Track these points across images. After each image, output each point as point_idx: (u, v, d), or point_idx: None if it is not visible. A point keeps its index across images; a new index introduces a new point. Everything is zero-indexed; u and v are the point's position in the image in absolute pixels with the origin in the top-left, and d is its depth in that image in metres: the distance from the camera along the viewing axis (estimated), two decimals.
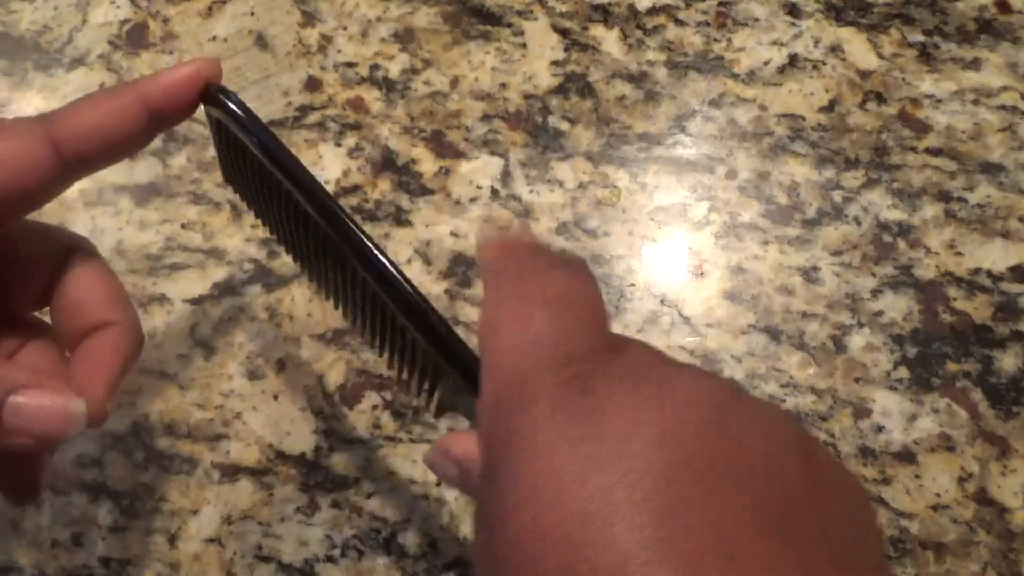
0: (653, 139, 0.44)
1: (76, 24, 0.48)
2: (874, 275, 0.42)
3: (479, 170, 0.44)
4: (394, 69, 0.46)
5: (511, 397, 0.21)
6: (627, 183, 0.44)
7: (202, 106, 0.29)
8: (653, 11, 0.47)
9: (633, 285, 0.42)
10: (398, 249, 0.42)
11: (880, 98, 0.45)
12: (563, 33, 0.47)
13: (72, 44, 0.47)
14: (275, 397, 0.40)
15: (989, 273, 0.42)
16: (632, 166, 0.44)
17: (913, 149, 0.44)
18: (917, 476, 0.38)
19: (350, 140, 0.45)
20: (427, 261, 0.42)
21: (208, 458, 0.39)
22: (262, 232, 0.43)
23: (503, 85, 0.46)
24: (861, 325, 0.41)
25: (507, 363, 0.22)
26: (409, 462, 0.39)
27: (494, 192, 0.43)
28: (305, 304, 0.41)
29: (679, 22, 0.47)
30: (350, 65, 0.46)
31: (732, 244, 0.42)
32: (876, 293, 0.41)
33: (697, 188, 0.44)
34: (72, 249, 0.30)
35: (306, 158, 0.44)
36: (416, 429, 0.39)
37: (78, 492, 0.39)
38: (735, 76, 0.46)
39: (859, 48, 0.46)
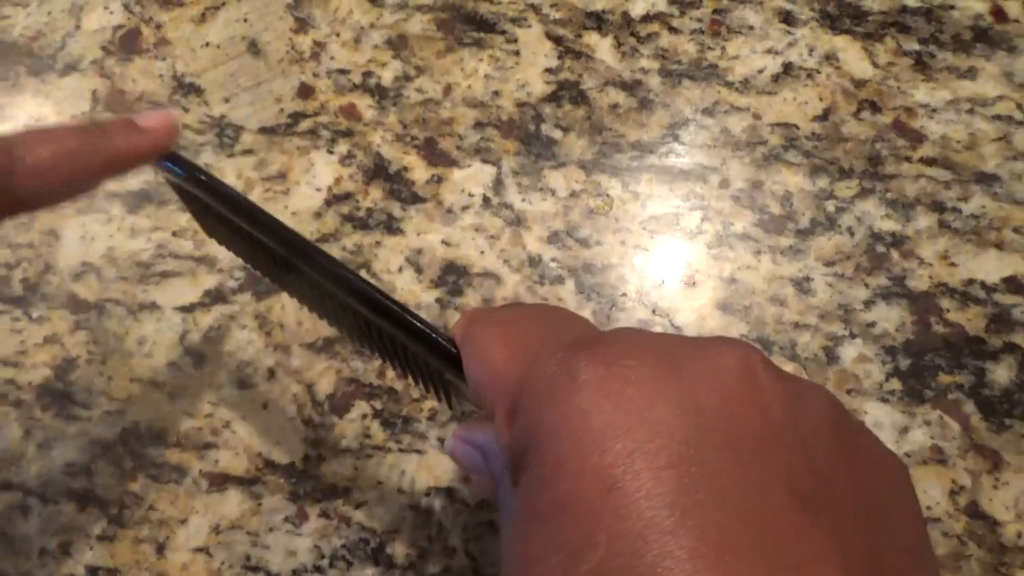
0: (646, 148, 0.44)
1: (69, 30, 0.48)
2: (867, 286, 0.41)
3: (471, 178, 0.44)
4: (387, 76, 0.46)
5: (524, 391, 0.21)
6: (620, 192, 0.43)
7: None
8: (647, 19, 0.47)
9: (625, 295, 0.42)
10: (389, 257, 0.42)
11: (875, 107, 0.45)
12: (556, 41, 0.47)
13: (65, 50, 0.47)
14: (264, 406, 0.40)
15: (983, 284, 0.41)
16: (625, 175, 0.44)
17: (907, 159, 0.44)
18: None
19: (342, 147, 0.44)
20: (418, 269, 0.42)
21: (197, 467, 0.39)
22: None
23: (496, 93, 0.45)
24: (853, 336, 0.41)
25: (507, 371, 0.22)
26: (398, 472, 0.39)
27: (486, 200, 0.43)
28: (295, 313, 0.41)
29: (673, 30, 0.47)
30: (343, 72, 0.46)
31: (725, 254, 0.42)
32: (869, 304, 0.41)
33: (690, 197, 0.43)
34: None
35: (298, 165, 0.44)
36: (405, 439, 0.39)
37: (66, 500, 0.38)
38: (729, 84, 0.45)
39: (854, 57, 0.46)
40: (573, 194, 0.43)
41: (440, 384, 0.28)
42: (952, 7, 0.46)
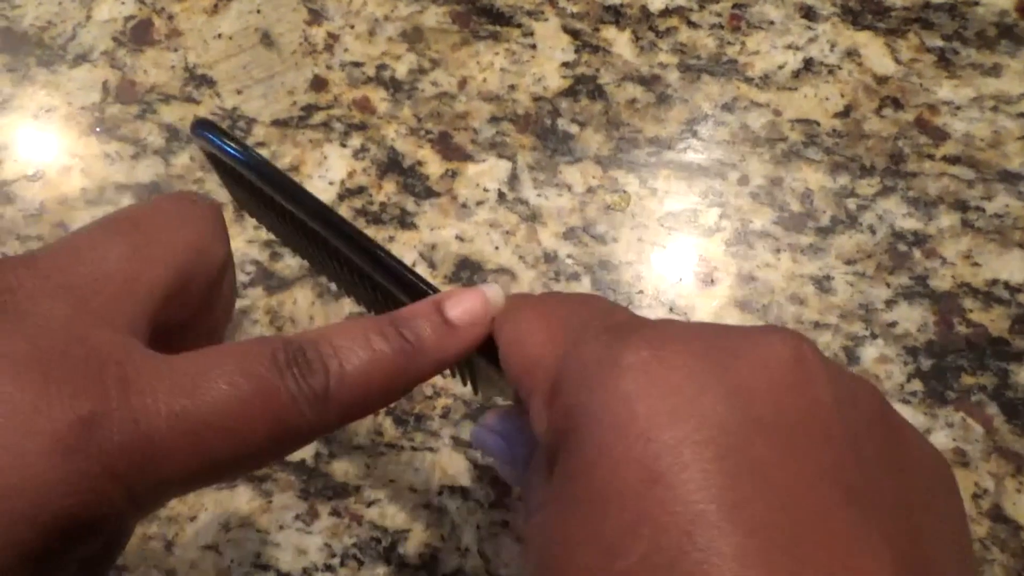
0: (664, 143, 0.44)
1: (80, 20, 0.47)
2: (888, 285, 0.41)
3: (486, 173, 0.43)
4: (401, 69, 0.45)
5: (564, 375, 0.20)
6: (637, 188, 0.43)
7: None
8: (666, 13, 0.46)
9: (642, 292, 0.41)
10: (402, 252, 0.42)
11: (897, 104, 0.44)
12: (574, 34, 0.46)
13: (76, 40, 0.47)
14: None
15: (1006, 284, 0.41)
16: (642, 171, 0.43)
17: (930, 157, 0.43)
18: None
19: (356, 141, 0.44)
20: (432, 265, 0.41)
21: None
22: (265, 234, 0.42)
23: (512, 87, 0.45)
24: (875, 336, 0.40)
25: (548, 354, 0.21)
26: (411, 470, 0.38)
27: (501, 196, 0.43)
28: (307, 307, 0.41)
29: (692, 24, 0.46)
30: (357, 64, 0.46)
31: (743, 252, 0.42)
32: (890, 304, 0.40)
33: (708, 194, 0.43)
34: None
35: (310, 159, 0.43)
36: (418, 437, 0.39)
37: None
38: (748, 80, 0.45)
39: (876, 53, 0.45)
40: (589, 190, 0.43)
41: (467, 368, 0.28)
42: (976, 3, 0.46)
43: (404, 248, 0.42)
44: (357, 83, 0.45)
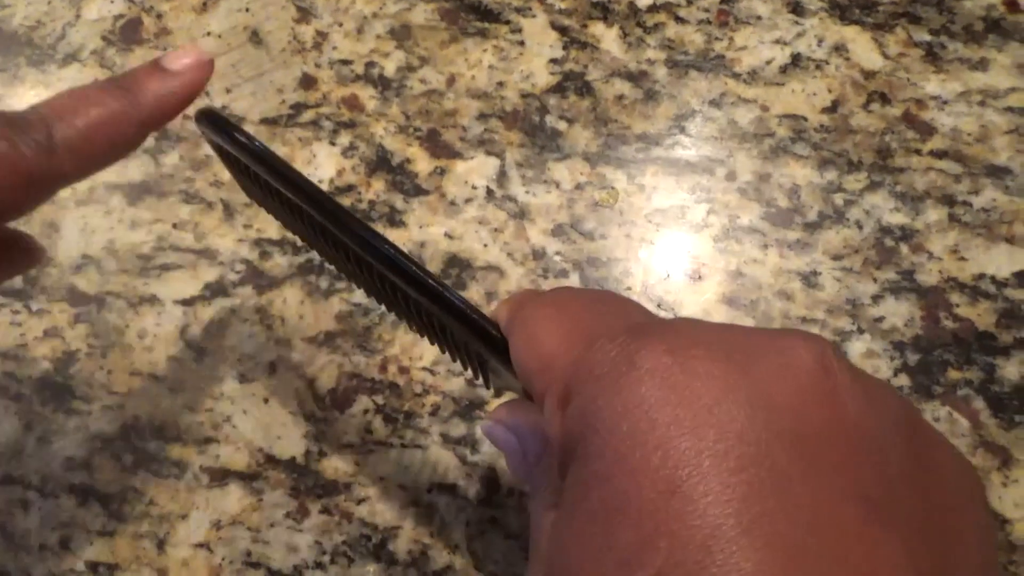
0: (652, 140, 0.44)
1: (70, 19, 0.47)
2: (875, 280, 0.41)
3: (475, 170, 0.43)
4: (390, 67, 0.45)
5: (579, 376, 0.19)
6: (625, 184, 0.43)
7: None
8: (653, 8, 0.46)
9: (630, 288, 0.41)
10: None
11: (884, 99, 0.44)
12: (562, 31, 0.46)
13: (65, 40, 0.47)
14: (265, 400, 0.40)
15: (993, 279, 0.41)
16: (630, 167, 0.43)
17: (917, 151, 0.43)
18: None
19: (344, 139, 0.44)
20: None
21: (197, 462, 0.39)
22: (255, 232, 0.42)
23: (500, 84, 0.45)
24: (861, 331, 0.40)
25: (562, 354, 0.21)
26: (400, 467, 0.38)
27: (490, 193, 0.43)
28: (297, 306, 0.41)
29: (680, 20, 0.46)
30: (345, 62, 0.46)
31: (731, 247, 0.42)
32: (877, 298, 0.41)
33: (696, 190, 0.43)
34: None
35: (300, 157, 0.44)
36: (408, 434, 0.39)
37: (66, 495, 0.38)
38: (736, 76, 0.45)
39: (863, 47, 0.45)
40: (578, 186, 0.43)
41: (477, 362, 0.28)
42: None
43: None
44: (346, 81, 0.45)
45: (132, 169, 0.44)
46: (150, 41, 0.46)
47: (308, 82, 0.45)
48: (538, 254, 0.42)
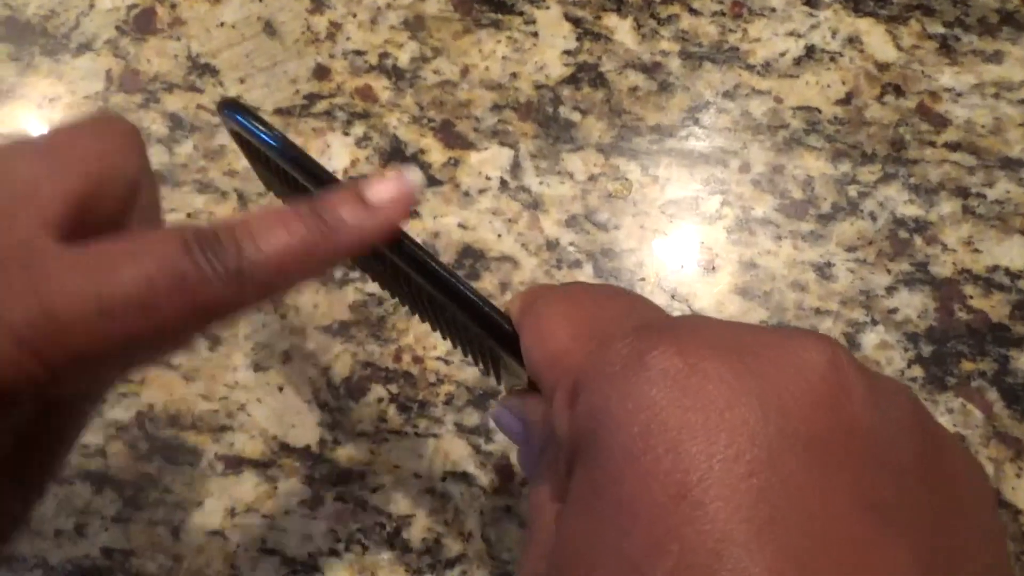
0: (666, 131, 0.44)
1: (83, 9, 0.47)
2: (889, 272, 0.41)
3: (488, 161, 0.43)
4: (403, 57, 0.45)
5: (590, 373, 0.19)
6: (639, 176, 0.43)
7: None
8: (667, 0, 0.46)
9: (644, 279, 0.41)
10: None
11: (898, 91, 0.44)
12: (575, 22, 0.46)
13: (79, 29, 0.47)
14: (280, 389, 0.40)
15: (1007, 271, 0.41)
16: (644, 158, 0.43)
17: (931, 143, 0.43)
18: None
19: (358, 129, 0.44)
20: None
21: (212, 450, 0.39)
22: None
23: (514, 75, 0.45)
24: (875, 323, 0.40)
25: (573, 350, 0.21)
26: (415, 456, 0.38)
27: (503, 184, 0.43)
28: (311, 295, 0.41)
29: (694, 11, 0.46)
30: (359, 53, 0.46)
31: (745, 239, 0.42)
32: (891, 290, 0.41)
33: (710, 181, 0.43)
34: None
35: (314, 147, 0.44)
36: (422, 423, 0.39)
37: (81, 482, 0.38)
38: (750, 67, 0.45)
39: (877, 40, 0.45)
40: (591, 178, 0.43)
41: (489, 356, 0.28)
42: None
43: None
44: (359, 72, 0.45)
45: None
46: (164, 31, 0.47)
47: (322, 72, 0.45)
48: (552, 245, 0.42)
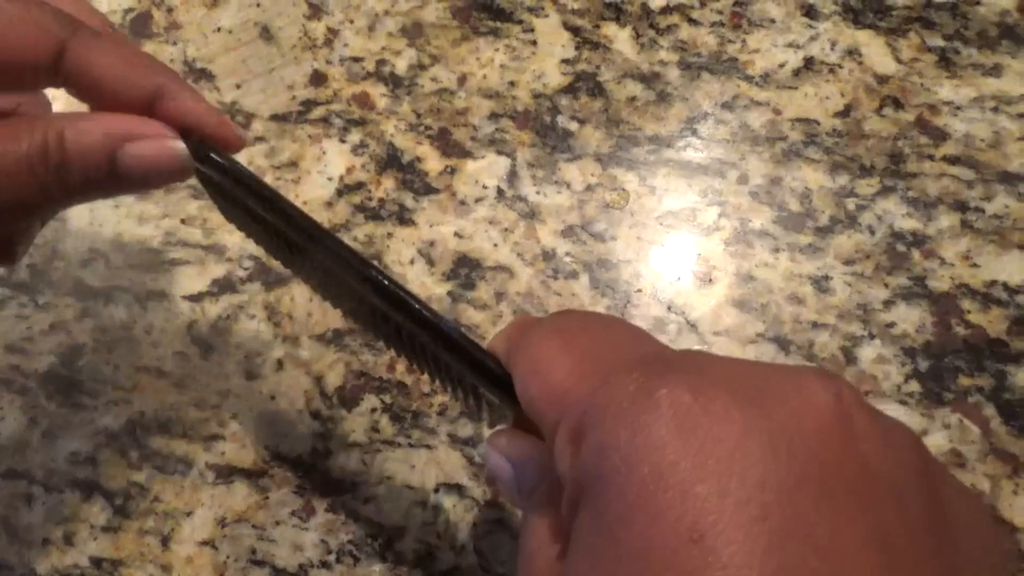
0: (664, 141, 0.44)
1: None
2: (887, 286, 0.41)
3: (485, 170, 0.43)
4: (401, 65, 0.45)
5: (595, 412, 0.19)
6: (636, 186, 0.43)
7: None
8: (666, 10, 0.46)
9: (640, 290, 0.41)
10: (401, 249, 0.41)
11: (897, 104, 0.44)
12: (574, 31, 0.46)
13: None
14: (272, 398, 0.39)
15: (1005, 286, 0.41)
16: (641, 169, 0.43)
17: (930, 157, 0.43)
18: None
19: (355, 136, 0.44)
20: (430, 262, 0.41)
21: (203, 459, 0.38)
22: None
23: (512, 83, 0.45)
24: (872, 336, 0.40)
25: (574, 387, 0.20)
26: (407, 467, 0.38)
27: (500, 192, 0.43)
28: (305, 304, 0.41)
29: (693, 22, 0.46)
30: (356, 60, 0.45)
31: (742, 251, 0.41)
32: (888, 304, 0.40)
33: (707, 193, 0.43)
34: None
35: (309, 154, 0.43)
36: (415, 433, 0.39)
37: (71, 490, 0.38)
38: (749, 78, 0.45)
39: (877, 52, 0.45)
40: (589, 187, 0.43)
41: (472, 394, 0.27)
42: (978, 3, 0.45)
43: (402, 245, 0.42)
44: (356, 78, 0.45)
45: None
46: (160, 35, 0.46)
47: (318, 79, 0.45)
48: (548, 255, 0.41)
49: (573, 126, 0.44)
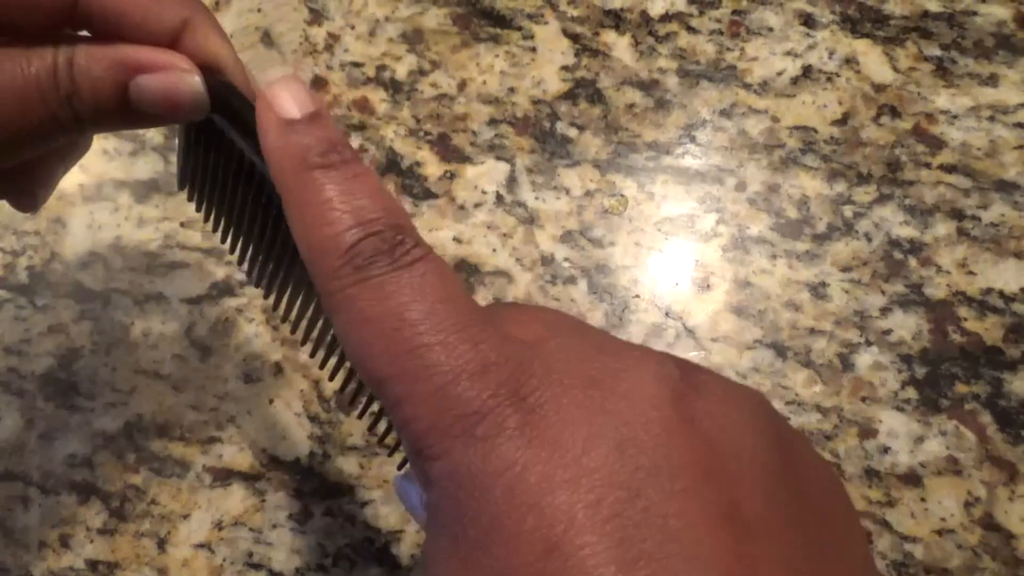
0: (662, 148, 0.44)
1: None
2: (884, 293, 0.41)
3: (484, 175, 0.43)
4: (401, 70, 0.45)
5: (434, 435, 0.18)
6: (634, 192, 0.43)
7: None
8: (666, 18, 0.46)
9: (638, 296, 0.41)
10: None
11: (895, 112, 0.44)
12: (574, 38, 0.46)
13: None
14: (270, 401, 0.39)
15: (1001, 294, 0.41)
16: (640, 175, 0.43)
17: (927, 165, 0.43)
18: (923, 499, 0.38)
19: (354, 141, 0.44)
20: None
21: (200, 461, 0.38)
22: None
23: (511, 89, 0.45)
24: (869, 343, 0.40)
25: (416, 411, 0.19)
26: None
27: (499, 198, 0.43)
28: None
29: (692, 30, 0.46)
30: (357, 65, 0.46)
31: (740, 257, 0.42)
32: (885, 311, 0.41)
33: (706, 199, 0.43)
34: None
35: None
36: None
37: (67, 492, 0.38)
38: (747, 86, 0.45)
39: (874, 61, 0.45)
40: (587, 193, 0.43)
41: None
42: (975, 13, 0.46)
43: None
44: (357, 83, 0.45)
45: (140, 167, 0.43)
46: None
47: (319, 84, 0.45)
48: (547, 260, 0.41)
49: (572, 132, 0.44)
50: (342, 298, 0.19)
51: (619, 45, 0.46)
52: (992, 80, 0.44)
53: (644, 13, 0.46)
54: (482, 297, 0.41)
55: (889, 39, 0.46)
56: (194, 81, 0.23)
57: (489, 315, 0.20)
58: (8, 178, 0.27)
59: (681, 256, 0.42)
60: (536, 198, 0.43)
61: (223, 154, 0.26)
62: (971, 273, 0.41)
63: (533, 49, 0.46)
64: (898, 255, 0.41)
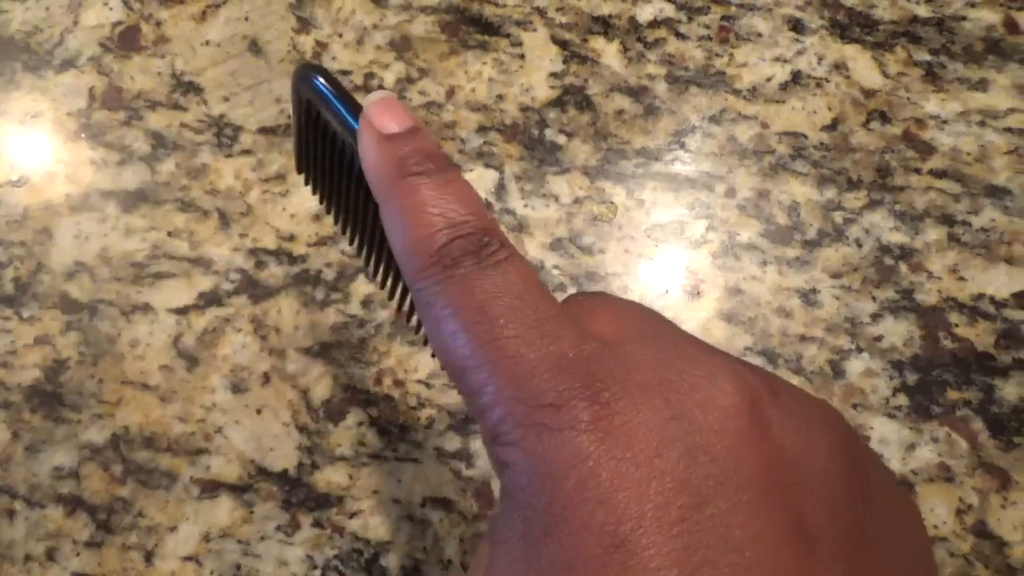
0: (651, 155, 0.44)
1: (67, 25, 0.47)
2: (874, 299, 0.41)
3: (473, 183, 0.43)
4: (389, 78, 0.45)
5: (517, 412, 0.19)
6: (624, 199, 0.43)
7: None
8: (654, 24, 0.46)
9: None
10: None
11: (884, 118, 0.44)
12: (562, 45, 0.46)
13: (63, 46, 0.46)
14: (258, 411, 0.39)
15: (992, 299, 0.41)
16: (629, 182, 0.43)
17: (917, 171, 0.43)
18: None
19: None
20: None
21: (188, 473, 0.38)
22: (250, 242, 0.42)
23: (500, 97, 0.45)
24: (860, 350, 0.40)
25: (495, 399, 0.19)
26: (394, 481, 0.38)
27: (488, 206, 0.42)
28: (292, 316, 0.40)
29: (680, 36, 0.46)
30: (345, 73, 0.45)
31: (730, 264, 0.41)
32: (876, 317, 0.40)
33: (695, 206, 0.43)
34: None
35: None
36: (402, 447, 0.38)
37: (53, 505, 0.38)
38: (736, 92, 0.45)
39: (864, 66, 0.45)
40: (577, 200, 0.43)
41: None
42: (964, 18, 0.46)
43: None
44: None
45: (127, 176, 0.43)
46: (148, 49, 0.46)
47: None
48: (536, 267, 0.41)
49: (561, 139, 0.44)
50: (430, 294, 0.20)
51: (608, 52, 0.46)
52: (982, 85, 0.44)
53: (632, 19, 0.46)
54: None
55: (878, 44, 0.45)
56: None
57: (570, 311, 0.21)
58: None
59: (671, 263, 0.42)
60: (525, 205, 0.42)
61: (328, 142, 0.26)
62: (962, 279, 0.41)
63: (521, 56, 0.46)
64: (889, 261, 0.41)
